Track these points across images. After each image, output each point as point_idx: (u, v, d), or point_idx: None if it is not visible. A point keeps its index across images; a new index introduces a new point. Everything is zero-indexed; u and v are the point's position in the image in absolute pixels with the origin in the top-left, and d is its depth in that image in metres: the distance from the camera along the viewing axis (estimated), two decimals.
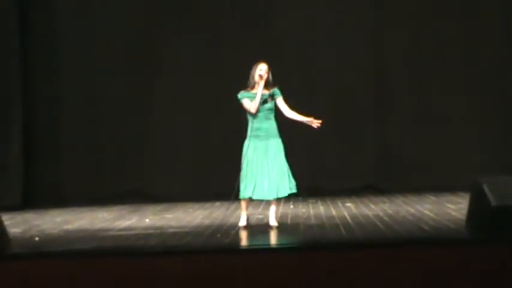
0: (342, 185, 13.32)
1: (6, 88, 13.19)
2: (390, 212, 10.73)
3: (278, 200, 9.59)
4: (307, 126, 13.25)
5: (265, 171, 9.43)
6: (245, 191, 9.44)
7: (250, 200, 9.56)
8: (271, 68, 9.56)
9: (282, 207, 11.46)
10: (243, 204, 9.61)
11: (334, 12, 13.61)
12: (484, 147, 13.37)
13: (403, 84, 13.64)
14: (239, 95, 9.56)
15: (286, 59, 13.33)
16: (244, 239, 9.04)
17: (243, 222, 9.61)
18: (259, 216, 10.16)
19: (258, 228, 9.55)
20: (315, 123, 9.68)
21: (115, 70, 13.59)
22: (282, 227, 9.57)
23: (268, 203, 9.78)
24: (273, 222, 9.57)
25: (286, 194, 9.52)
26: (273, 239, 8.99)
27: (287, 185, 9.47)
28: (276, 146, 9.52)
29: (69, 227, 10.46)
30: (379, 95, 13.67)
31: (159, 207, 12.42)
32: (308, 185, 13.28)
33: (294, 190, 9.54)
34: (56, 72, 13.66)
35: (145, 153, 13.61)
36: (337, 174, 13.46)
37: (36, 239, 9.28)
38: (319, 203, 12.20)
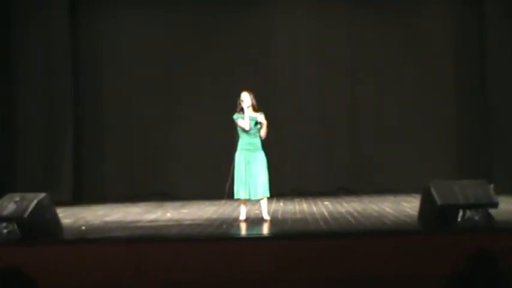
0: (321, 187, 13.29)
1: (60, 107, 13.24)
2: (359, 209, 10.70)
3: (266, 198, 9.57)
4: (294, 141, 13.43)
5: (253, 176, 9.41)
6: (239, 193, 9.42)
7: (245, 199, 9.54)
8: (253, 94, 9.53)
9: (274, 205, 11.45)
10: (241, 202, 9.61)
11: (316, 57, 13.61)
12: (434, 157, 13.35)
13: (369, 109, 13.63)
14: (234, 117, 9.53)
15: (283, 89, 13.54)
16: (244, 229, 9.03)
17: (242, 216, 9.58)
18: (257, 211, 10.15)
19: (255, 221, 9.53)
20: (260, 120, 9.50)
21: (147, 96, 13.61)
22: (274, 220, 9.57)
23: (259, 201, 9.72)
24: (266, 216, 9.56)
25: (269, 195, 9.52)
26: (267, 229, 8.98)
27: (267, 188, 9.48)
28: (261, 157, 9.48)
29: (108, 218, 10.46)
30: (350, 117, 13.67)
31: (178, 203, 12.39)
32: (295, 187, 13.34)
33: (268, 194, 9.52)
34: (100, 95, 13.70)
35: (167, 161, 13.62)
36: (318, 178, 13.44)
37: (83, 228, 9.29)
38: (303, 201, 12.17)
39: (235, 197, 9.49)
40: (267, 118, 9.49)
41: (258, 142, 9.50)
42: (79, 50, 13.59)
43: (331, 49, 13.61)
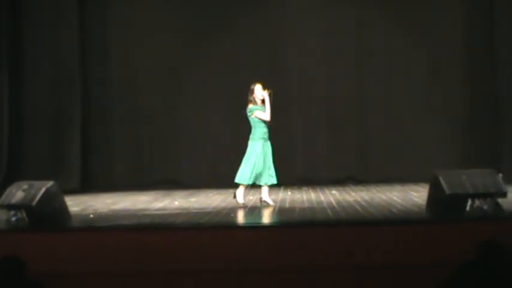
0: (329, 176, 13.27)
1: (68, 96, 13.25)
2: (366, 198, 10.67)
3: (272, 185, 9.84)
4: (302, 131, 13.41)
5: (265, 164, 9.66)
6: (250, 178, 9.65)
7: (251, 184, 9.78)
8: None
9: (282, 194, 11.44)
10: (245, 187, 9.79)
11: (324, 43, 13.57)
12: (442, 146, 13.30)
13: (377, 96, 13.56)
14: (252, 108, 9.65)
15: (291, 78, 13.45)
16: (253, 218, 9.03)
17: (243, 200, 9.79)
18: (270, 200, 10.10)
19: (264, 210, 9.53)
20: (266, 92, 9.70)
21: (155, 85, 13.58)
22: (281, 209, 9.57)
23: (260, 187, 9.87)
24: (271, 201, 9.79)
25: (276, 182, 9.80)
26: (276, 218, 8.98)
27: (274, 175, 9.73)
28: (270, 146, 9.75)
29: (116, 207, 10.47)
30: (358, 106, 13.62)
31: (185, 192, 12.36)
32: (302, 176, 13.33)
33: (275, 181, 9.81)
34: (108, 84, 13.66)
35: (176, 149, 13.60)
36: (325, 168, 13.41)
37: (91, 216, 9.29)
38: (311, 190, 12.12)
39: (247, 182, 9.67)
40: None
41: (269, 132, 9.72)
42: (87, 38, 13.56)
43: (341, 35, 13.53)
